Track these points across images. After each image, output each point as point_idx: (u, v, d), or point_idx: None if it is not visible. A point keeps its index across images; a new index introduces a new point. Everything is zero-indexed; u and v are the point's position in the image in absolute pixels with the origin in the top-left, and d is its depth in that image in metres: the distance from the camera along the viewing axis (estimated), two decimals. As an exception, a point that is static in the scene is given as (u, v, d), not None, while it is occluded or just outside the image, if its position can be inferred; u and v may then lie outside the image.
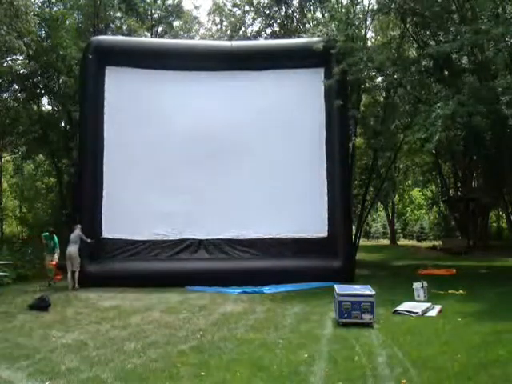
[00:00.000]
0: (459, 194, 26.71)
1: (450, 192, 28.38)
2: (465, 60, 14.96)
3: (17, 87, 18.97)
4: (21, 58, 18.57)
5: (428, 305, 8.49)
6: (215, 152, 13.16)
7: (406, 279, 11.47)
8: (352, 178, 18.12)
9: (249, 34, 23.35)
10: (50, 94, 18.79)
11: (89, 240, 11.80)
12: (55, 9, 19.09)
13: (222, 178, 13.19)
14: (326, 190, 13.18)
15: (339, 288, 7.70)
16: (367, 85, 16.84)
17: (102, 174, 13.00)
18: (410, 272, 14.18)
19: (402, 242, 34.42)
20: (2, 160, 23.82)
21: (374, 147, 17.49)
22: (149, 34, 23.08)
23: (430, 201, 33.88)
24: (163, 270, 12.19)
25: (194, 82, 13.47)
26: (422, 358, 5.55)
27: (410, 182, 32.50)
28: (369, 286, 7.90)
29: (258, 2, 23.04)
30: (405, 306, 8.38)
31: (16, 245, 15.84)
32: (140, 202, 12.90)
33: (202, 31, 27.52)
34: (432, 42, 15.00)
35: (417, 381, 4.85)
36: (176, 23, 25.91)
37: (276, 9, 22.99)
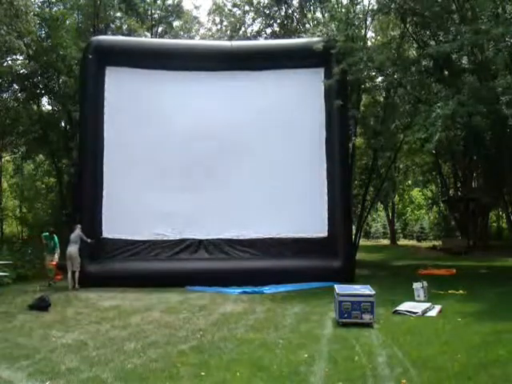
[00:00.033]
0: (459, 193, 26.71)
1: (450, 192, 28.38)
2: (465, 60, 14.96)
3: (17, 87, 18.98)
4: (21, 58, 18.59)
5: (428, 305, 8.49)
6: (215, 152, 13.17)
7: (406, 279, 11.47)
8: (352, 178, 18.12)
9: (249, 34, 23.35)
10: (50, 94, 18.80)
11: (89, 240, 11.80)
12: (55, 9, 19.10)
13: (222, 177, 13.19)
14: (325, 190, 13.18)
15: (339, 288, 7.70)
16: (367, 85, 16.84)
17: (101, 174, 13.00)
18: (410, 272, 14.18)
19: (402, 241, 34.43)
20: (2, 160, 23.82)
21: (374, 147, 17.50)
22: (149, 34, 23.08)
23: (430, 201, 33.90)
24: (163, 270, 12.19)
25: (194, 82, 13.47)
26: (422, 358, 5.55)
27: (410, 182, 32.51)
28: (369, 286, 7.90)
29: (258, 2, 23.04)
30: (405, 306, 8.38)
31: (16, 245, 15.85)
32: (140, 202, 12.91)
33: (202, 31, 27.60)
34: (432, 42, 15.00)
35: (417, 381, 4.85)
36: (176, 23, 25.94)
37: (276, 9, 22.99)
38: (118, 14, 21.59)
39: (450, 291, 10.35)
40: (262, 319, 8.00)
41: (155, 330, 7.15)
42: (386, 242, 34.36)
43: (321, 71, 13.52)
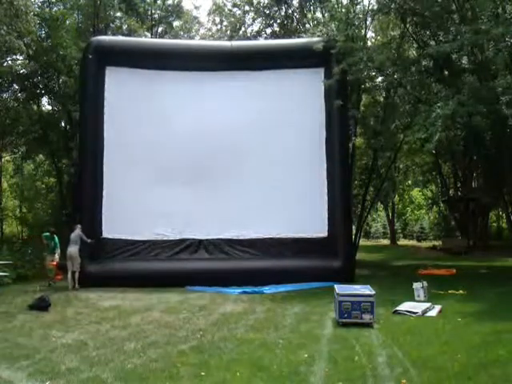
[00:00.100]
0: (459, 193, 26.71)
1: (450, 192, 28.38)
2: (465, 60, 14.96)
3: (17, 87, 18.99)
4: (21, 58, 18.60)
5: (428, 305, 8.49)
6: (215, 152, 13.17)
7: (406, 279, 11.47)
8: (352, 178, 18.12)
9: (249, 34, 23.36)
10: (50, 94, 18.81)
11: (89, 240, 11.80)
12: (55, 9, 19.12)
13: (222, 177, 13.19)
14: (325, 190, 13.18)
15: (339, 288, 7.70)
16: (367, 85, 16.85)
17: (102, 174, 13.00)
18: (410, 272, 14.18)
19: (402, 242, 34.43)
20: (2, 160, 23.83)
21: (374, 147, 17.50)
22: (149, 34, 23.09)
23: (430, 201, 33.90)
24: (163, 270, 12.19)
25: (194, 82, 13.48)
26: (422, 358, 5.55)
27: (410, 181, 32.51)
28: (369, 286, 7.90)
29: (258, 2, 23.05)
30: (405, 306, 8.38)
31: (16, 245, 15.85)
32: (140, 202, 12.90)
33: (201, 31, 27.59)
34: (432, 42, 15.00)
35: (417, 381, 4.85)
36: (176, 23, 25.94)
37: (276, 9, 22.99)
38: (118, 14, 21.59)
39: (449, 291, 10.35)
40: (262, 319, 8.00)
41: (155, 330, 7.15)
42: (386, 242, 34.36)
43: (321, 71, 13.52)
